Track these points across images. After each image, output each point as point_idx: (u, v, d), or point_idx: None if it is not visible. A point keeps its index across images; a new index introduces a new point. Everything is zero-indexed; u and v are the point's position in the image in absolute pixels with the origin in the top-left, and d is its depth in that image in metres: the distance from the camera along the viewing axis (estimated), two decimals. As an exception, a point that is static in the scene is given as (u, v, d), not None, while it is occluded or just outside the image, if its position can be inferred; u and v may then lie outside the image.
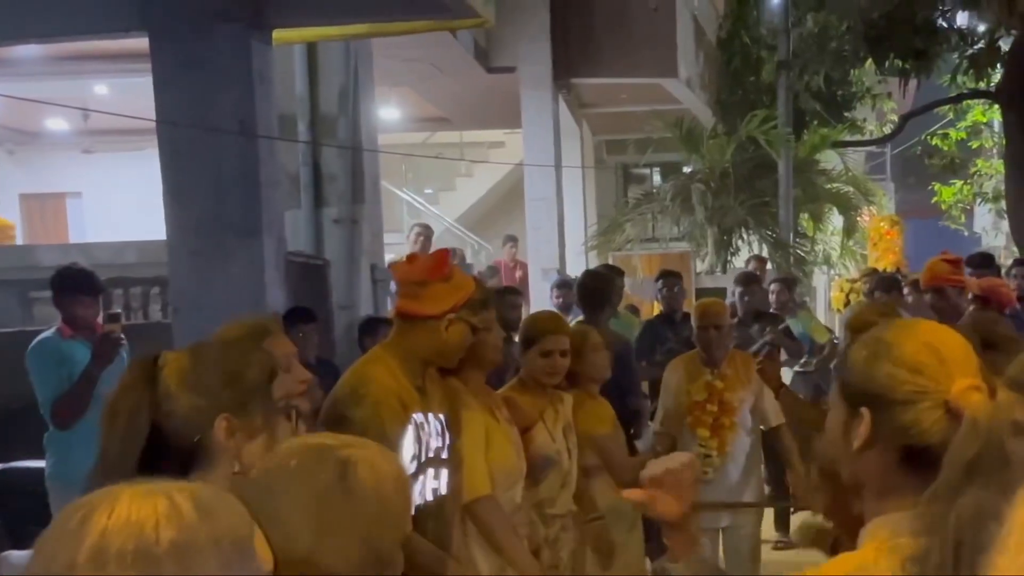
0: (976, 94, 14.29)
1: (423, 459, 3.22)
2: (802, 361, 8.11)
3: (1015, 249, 12.25)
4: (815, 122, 15.76)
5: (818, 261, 15.86)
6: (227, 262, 5.33)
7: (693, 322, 5.46)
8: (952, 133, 18.83)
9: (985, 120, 18.51)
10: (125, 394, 2.08)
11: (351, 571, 1.61)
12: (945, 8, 12.26)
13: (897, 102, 17.51)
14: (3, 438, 6.00)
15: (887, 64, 12.78)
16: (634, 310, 9.04)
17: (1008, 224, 13.34)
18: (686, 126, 13.87)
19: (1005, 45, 12.26)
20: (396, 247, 12.08)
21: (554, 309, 6.90)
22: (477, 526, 3.54)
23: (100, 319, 5.17)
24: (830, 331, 9.13)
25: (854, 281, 13.26)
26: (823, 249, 16.21)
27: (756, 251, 13.13)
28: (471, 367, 3.62)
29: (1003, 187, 13.59)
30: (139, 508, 1.08)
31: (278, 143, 5.93)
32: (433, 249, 9.83)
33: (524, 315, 6.44)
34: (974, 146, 19.35)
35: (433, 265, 3.28)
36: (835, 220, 16.43)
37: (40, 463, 5.16)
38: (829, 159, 16.25)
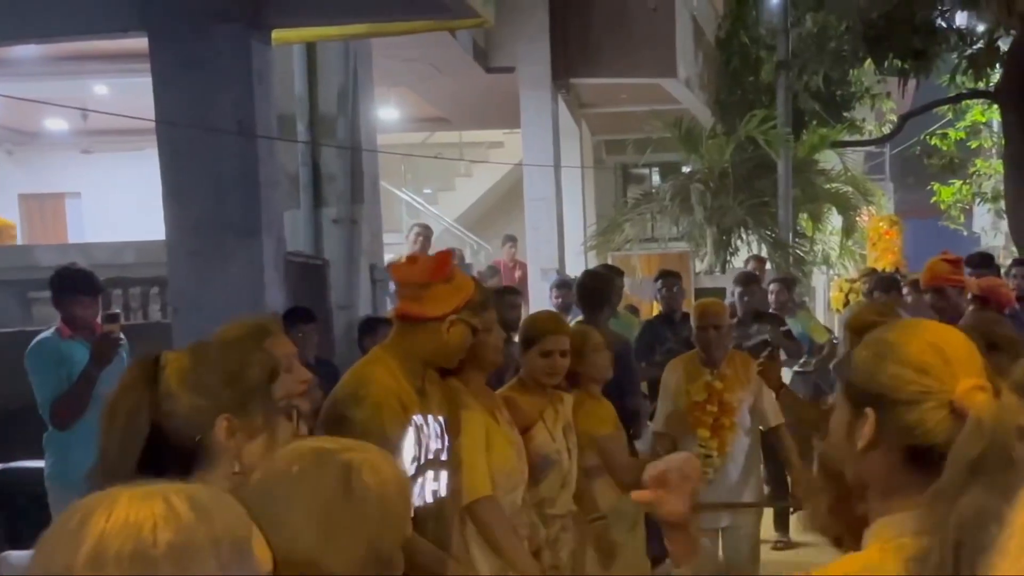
0: (975, 94, 14.30)
1: (422, 461, 3.22)
2: (801, 361, 8.12)
3: (1014, 249, 12.25)
4: (814, 122, 15.76)
5: (817, 261, 15.86)
6: (226, 262, 5.33)
7: (692, 322, 5.47)
8: (951, 133, 18.84)
9: (984, 120, 18.52)
10: (125, 394, 2.08)
11: (353, 573, 1.61)
12: (944, 8, 12.27)
13: (896, 102, 17.52)
14: (2, 438, 5.99)
15: (886, 64, 12.79)
16: (633, 310, 9.05)
17: (1007, 224, 13.35)
18: (685, 126, 13.86)
19: (1004, 45, 12.27)
20: (395, 247, 12.08)
21: (553, 309, 6.90)
22: (477, 527, 3.54)
23: (99, 319, 5.17)
24: (829, 331, 9.13)
25: (853, 281, 13.26)
26: (822, 249, 16.21)
27: (755, 251, 13.13)
28: (472, 368, 3.62)
29: (1002, 187, 13.61)
30: (137, 510, 1.08)
31: (277, 143, 5.92)
32: (432, 249, 9.85)
33: (523, 315, 6.44)
34: (973, 146, 19.36)
35: (435, 267, 3.27)
36: (834, 220, 16.43)
37: (39, 463, 5.16)
38: (828, 159, 16.25)
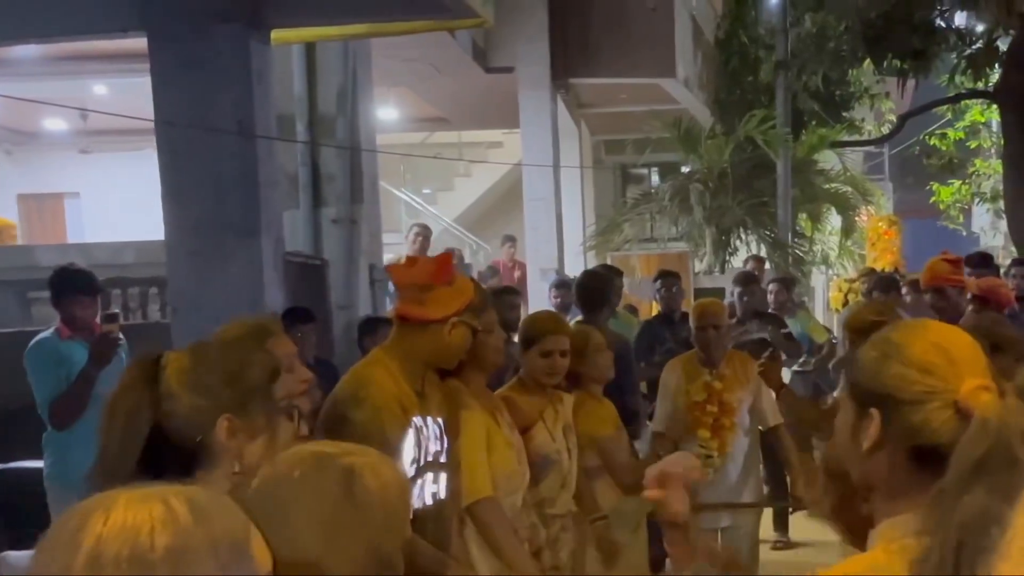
0: (974, 94, 14.30)
1: (422, 463, 3.22)
2: (801, 361, 8.12)
3: (1013, 249, 12.26)
4: (813, 122, 15.77)
5: (816, 261, 15.87)
6: (226, 262, 5.33)
7: (691, 322, 5.46)
8: (950, 133, 18.84)
9: (983, 120, 18.53)
10: (125, 394, 2.08)
11: (355, 574, 1.61)
12: (943, 8, 12.27)
13: (895, 102, 17.52)
14: (2, 439, 5.99)
15: (885, 64, 12.79)
16: (632, 310, 9.05)
17: (1006, 224, 13.35)
18: (684, 126, 13.87)
19: (1003, 45, 12.27)
20: (394, 247, 12.09)
21: (552, 309, 6.90)
22: (478, 527, 3.53)
23: (98, 319, 5.17)
24: (828, 331, 9.14)
25: (852, 281, 13.27)
26: (821, 249, 16.22)
27: (754, 251, 13.13)
28: (473, 369, 3.62)
29: (1001, 187, 13.61)
30: (134, 514, 1.08)
31: (277, 143, 5.92)
32: (432, 249, 9.86)
33: (523, 315, 6.44)
34: (972, 146, 19.36)
35: (437, 269, 3.27)
36: (833, 220, 16.44)
37: (39, 463, 5.16)
38: (827, 159, 16.26)
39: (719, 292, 10.35)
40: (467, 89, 12.82)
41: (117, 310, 6.72)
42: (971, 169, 19.23)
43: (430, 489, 3.27)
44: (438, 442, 3.32)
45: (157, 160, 5.47)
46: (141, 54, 5.65)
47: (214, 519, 1.12)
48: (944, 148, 18.81)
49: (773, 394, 5.36)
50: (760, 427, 5.45)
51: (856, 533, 1.65)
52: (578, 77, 12.85)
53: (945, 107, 16.91)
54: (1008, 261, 9.35)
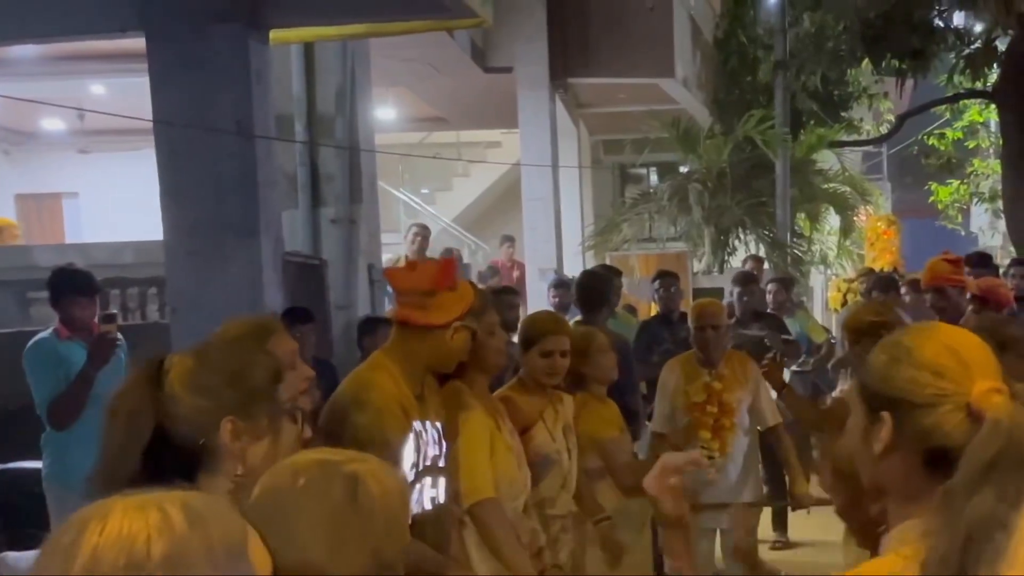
0: (973, 94, 14.29)
1: (421, 467, 3.21)
2: (800, 361, 8.12)
3: (1012, 249, 12.26)
4: (812, 122, 15.77)
5: (815, 261, 15.86)
6: (225, 262, 5.32)
7: (690, 322, 5.46)
8: (949, 133, 18.85)
9: (982, 120, 18.54)
10: (126, 395, 2.07)
11: None
12: (942, 8, 12.27)
13: (894, 102, 17.51)
14: (1, 439, 5.99)
15: (884, 64, 12.79)
16: (631, 310, 9.04)
17: (1005, 224, 13.35)
18: (683, 126, 13.87)
19: (1002, 45, 12.27)
20: (393, 247, 12.08)
21: (551, 309, 6.89)
22: (478, 528, 3.52)
23: (97, 320, 5.16)
24: (827, 331, 9.14)
25: (851, 281, 13.26)
26: (820, 249, 16.21)
27: (753, 251, 13.13)
28: (475, 371, 3.61)
29: (1000, 187, 13.62)
30: (131, 522, 1.08)
31: (275, 143, 5.92)
32: (430, 249, 9.86)
33: (521, 315, 6.43)
34: (971, 146, 19.38)
35: (440, 274, 3.26)
36: (832, 220, 16.44)
37: (37, 464, 5.15)
38: (826, 159, 16.26)
39: (718, 292, 10.36)
40: (466, 89, 12.81)
41: (115, 310, 6.72)
42: (969, 169, 19.24)
43: (429, 493, 3.27)
44: (437, 446, 3.31)
45: (156, 160, 5.46)
46: (139, 54, 5.64)
47: (210, 525, 1.12)
48: (943, 148, 18.81)
49: (773, 393, 5.36)
50: (759, 427, 5.45)
51: (865, 533, 1.65)
52: (577, 77, 12.85)
53: (943, 107, 16.91)
54: (1007, 261, 9.36)
